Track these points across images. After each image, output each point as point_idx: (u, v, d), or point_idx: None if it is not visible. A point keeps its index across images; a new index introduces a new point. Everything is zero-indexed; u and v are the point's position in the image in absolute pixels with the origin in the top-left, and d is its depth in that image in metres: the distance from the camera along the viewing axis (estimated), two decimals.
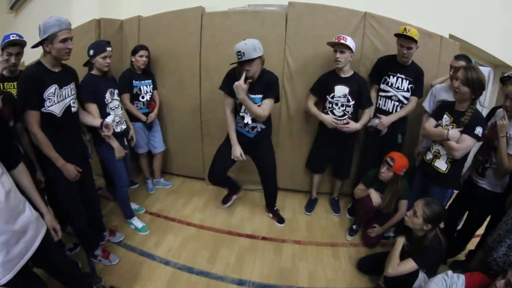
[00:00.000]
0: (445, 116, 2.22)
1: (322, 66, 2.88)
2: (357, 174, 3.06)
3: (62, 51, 1.86)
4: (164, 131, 3.37)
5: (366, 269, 2.43)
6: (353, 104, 2.68)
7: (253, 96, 2.45)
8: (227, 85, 2.46)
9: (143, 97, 3.05)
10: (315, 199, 3.29)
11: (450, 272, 1.75)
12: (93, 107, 2.33)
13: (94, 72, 2.44)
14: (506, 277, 1.46)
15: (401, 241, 2.16)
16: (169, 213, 3.10)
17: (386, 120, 2.68)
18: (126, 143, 2.70)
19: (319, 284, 2.33)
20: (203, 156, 3.51)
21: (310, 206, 3.22)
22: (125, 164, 2.65)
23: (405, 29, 2.49)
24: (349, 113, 2.71)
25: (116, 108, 2.55)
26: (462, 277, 1.69)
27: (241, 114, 2.55)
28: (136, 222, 2.83)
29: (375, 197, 2.62)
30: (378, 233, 2.69)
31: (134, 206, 3.03)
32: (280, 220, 3.04)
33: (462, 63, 2.42)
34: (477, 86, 2.00)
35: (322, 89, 2.76)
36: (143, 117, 3.05)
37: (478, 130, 2.04)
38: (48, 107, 1.87)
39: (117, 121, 2.54)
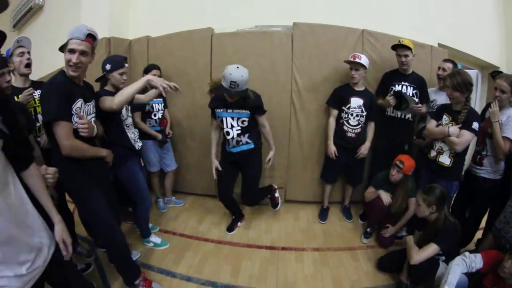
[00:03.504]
0: (444, 116, 2.47)
1: (326, 80, 3.08)
2: (367, 180, 3.16)
3: (67, 63, 1.68)
4: (174, 149, 3.36)
5: (385, 268, 2.49)
6: (365, 115, 2.88)
7: (238, 110, 2.51)
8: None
9: (155, 115, 3.06)
10: (327, 207, 3.34)
11: (467, 253, 1.89)
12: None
13: (108, 88, 2.30)
14: None
15: (410, 238, 2.29)
16: (185, 230, 3.04)
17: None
18: (142, 163, 2.66)
19: (344, 286, 2.34)
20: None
21: (323, 215, 3.26)
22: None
23: (399, 40, 2.78)
24: (362, 122, 2.90)
25: (132, 125, 2.46)
26: (479, 255, 1.82)
27: (225, 130, 2.57)
28: (154, 238, 2.76)
29: (385, 197, 2.73)
30: (391, 233, 2.77)
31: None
32: (275, 205, 3.09)
33: (448, 64, 2.76)
34: (465, 87, 2.29)
35: (338, 101, 2.93)
36: (159, 136, 3.03)
37: (475, 125, 2.30)
38: (75, 123, 1.72)
39: (134, 138, 2.44)
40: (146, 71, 3.01)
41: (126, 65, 2.33)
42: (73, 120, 1.71)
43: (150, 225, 2.98)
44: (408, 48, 2.77)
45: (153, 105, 3.06)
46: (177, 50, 3.24)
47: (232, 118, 2.54)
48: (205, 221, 3.22)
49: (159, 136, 3.05)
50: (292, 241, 2.91)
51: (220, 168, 2.71)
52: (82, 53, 1.69)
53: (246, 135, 2.61)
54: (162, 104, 3.15)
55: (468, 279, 1.88)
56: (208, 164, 3.38)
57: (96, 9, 3.29)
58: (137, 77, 3.07)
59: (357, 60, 2.73)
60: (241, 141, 2.62)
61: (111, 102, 2.00)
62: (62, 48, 1.73)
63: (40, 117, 2.08)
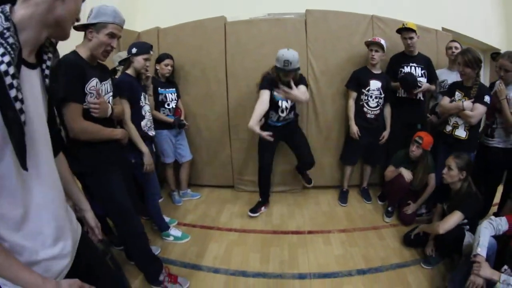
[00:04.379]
0: (457, 93, 2.56)
1: (340, 65, 3.10)
2: (384, 162, 3.17)
3: (103, 47, 1.61)
4: (189, 140, 3.24)
5: (411, 243, 2.50)
6: (383, 97, 2.93)
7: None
8: (268, 85, 2.56)
9: (168, 105, 2.95)
10: (347, 190, 3.34)
11: (492, 216, 1.93)
12: (126, 105, 2.13)
13: (129, 71, 2.26)
14: None
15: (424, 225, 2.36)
16: (205, 222, 2.92)
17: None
18: (154, 149, 2.54)
19: (375, 263, 2.33)
20: (231, 163, 3.42)
21: (343, 197, 3.26)
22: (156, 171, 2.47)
23: (403, 24, 2.87)
24: (381, 104, 2.95)
25: (149, 112, 2.40)
26: (503, 218, 1.86)
27: (280, 109, 2.70)
28: (175, 232, 2.63)
29: (407, 174, 2.76)
30: (414, 209, 2.81)
31: (165, 218, 2.79)
32: (309, 180, 3.24)
33: (456, 44, 2.91)
34: (475, 63, 2.40)
35: (357, 83, 2.97)
36: (170, 120, 2.92)
37: (487, 98, 2.41)
38: (87, 103, 1.60)
39: (149, 125, 2.38)
40: (159, 60, 2.92)
41: (152, 52, 2.30)
42: (86, 100, 1.60)
43: (168, 219, 2.86)
44: (413, 30, 2.86)
45: (166, 94, 2.96)
46: (189, 40, 3.16)
47: (287, 100, 2.67)
48: (224, 211, 3.12)
49: (171, 120, 2.93)
50: (317, 224, 2.87)
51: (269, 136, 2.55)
52: (118, 38, 1.69)
53: (293, 112, 2.81)
54: (175, 94, 3.04)
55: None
56: (225, 153, 3.38)
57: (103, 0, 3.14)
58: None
59: (377, 41, 2.80)
60: (289, 117, 2.80)
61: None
62: (85, 27, 1.61)
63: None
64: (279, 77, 2.53)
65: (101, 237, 1.37)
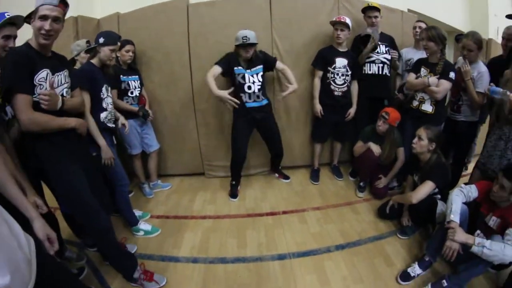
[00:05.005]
0: (422, 69, 2.61)
1: (307, 45, 3.07)
2: (354, 138, 3.15)
3: (38, 31, 1.48)
4: (155, 129, 3.07)
5: (386, 216, 2.54)
6: (350, 74, 2.93)
7: (255, 68, 2.71)
8: (226, 62, 2.67)
9: (132, 93, 2.77)
10: (318, 169, 3.34)
11: (462, 184, 1.98)
12: (86, 96, 1.98)
13: (94, 61, 2.16)
14: (499, 181, 1.71)
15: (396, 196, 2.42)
16: (178, 212, 2.80)
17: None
18: (115, 141, 2.37)
19: (352, 238, 2.35)
20: (200, 149, 3.29)
21: (315, 176, 3.26)
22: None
23: (367, 3, 2.90)
24: (348, 81, 2.95)
25: (111, 105, 2.26)
26: (473, 186, 1.92)
27: (247, 85, 2.71)
28: (144, 226, 2.49)
29: (375, 148, 2.80)
30: (385, 183, 2.86)
31: (137, 212, 2.67)
32: (285, 177, 3.30)
33: (421, 24, 2.98)
34: (439, 39, 2.43)
35: (323, 62, 2.94)
36: (135, 109, 2.76)
37: (452, 74, 2.47)
38: (39, 95, 1.50)
39: (109, 118, 2.23)
40: (119, 47, 2.67)
41: (119, 43, 2.24)
42: (36, 92, 1.50)
43: (141, 212, 2.73)
44: (377, 9, 2.89)
45: (129, 82, 2.76)
46: (151, 24, 2.96)
47: (252, 75, 2.70)
48: (197, 199, 3.01)
49: (135, 109, 2.77)
50: (291, 204, 2.85)
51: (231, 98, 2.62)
52: (55, 19, 1.51)
53: (262, 91, 2.78)
54: (138, 81, 2.85)
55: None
56: (192, 139, 3.25)
57: None
58: None
59: (342, 20, 2.77)
60: (259, 96, 2.76)
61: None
62: (28, 17, 1.54)
63: (9, 109, 1.69)
64: (240, 55, 2.64)
65: (55, 249, 1.19)
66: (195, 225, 2.61)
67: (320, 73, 2.97)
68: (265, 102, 2.83)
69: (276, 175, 3.34)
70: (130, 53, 2.73)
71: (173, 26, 2.95)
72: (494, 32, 4.02)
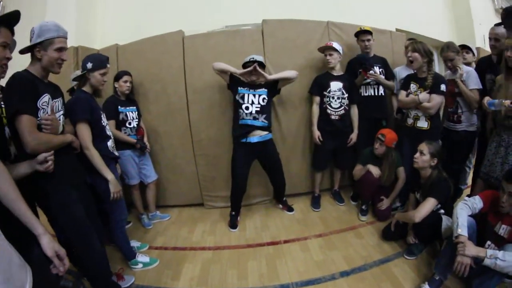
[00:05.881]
0: (412, 85, 2.59)
1: (300, 71, 2.96)
2: (353, 161, 3.09)
3: (55, 61, 1.58)
4: (153, 160, 3.02)
5: (391, 237, 2.44)
6: (347, 97, 2.89)
7: (259, 89, 2.68)
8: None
9: (130, 124, 2.75)
10: (319, 195, 3.22)
11: (466, 197, 1.90)
12: (85, 128, 1.91)
13: (86, 89, 2.05)
14: (505, 190, 1.65)
15: (398, 214, 2.32)
16: (177, 243, 2.68)
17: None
18: (119, 171, 2.35)
19: (357, 263, 2.21)
20: (198, 179, 3.21)
21: (316, 202, 3.14)
22: None
23: (360, 28, 2.94)
24: (345, 104, 2.90)
25: (110, 132, 2.20)
26: (477, 197, 1.83)
27: (244, 106, 2.65)
28: (142, 258, 2.36)
29: (374, 170, 2.72)
30: (387, 204, 2.76)
31: (135, 243, 2.58)
32: (290, 209, 3.11)
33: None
34: (424, 51, 2.43)
35: (319, 87, 2.92)
36: (133, 141, 2.72)
37: (443, 87, 2.43)
38: (40, 118, 1.53)
39: (113, 146, 2.18)
40: (117, 78, 2.74)
41: (109, 66, 2.11)
42: (39, 115, 1.53)
43: (139, 243, 2.61)
44: (370, 33, 2.94)
45: (127, 113, 2.76)
46: (148, 55, 3.01)
47: (254, 96, 2.66)
48: (196, 230, 2.89)
49: (134, 140, 2.73)
50: (292, 232, 2.72)
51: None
52: (66, 49, 1.64)
53: (262, 114, 2.68)
54: (136, 112, 2.85)
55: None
56: (190, 169, 3.18)
57: (62, 18, 2.93)
58: (106, 87, 2.77)
59: (329, 45, 2.80)
60: (258, 118, 2.67)
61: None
62: (31, 49, 1.58)
63: (7, 129, 1.69)
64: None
65: (64, 268, 1.13)
66: (195, 256, 2.48)
67: (317, 99, 2.94)
68: (267, 136, 2.74)
69: (280, 206, 3.18)
70: (128, 84, 2.74)
71: (169, 57, 2.99)
72: (481, 40, 4.09)
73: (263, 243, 2.59)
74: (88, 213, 1.77)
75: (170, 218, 3.15)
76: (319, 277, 2.10)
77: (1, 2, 3.52)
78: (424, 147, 2.21)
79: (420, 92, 2.49)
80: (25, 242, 1.09)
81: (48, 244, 1.10)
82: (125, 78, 2.73)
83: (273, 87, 2.73)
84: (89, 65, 2.01)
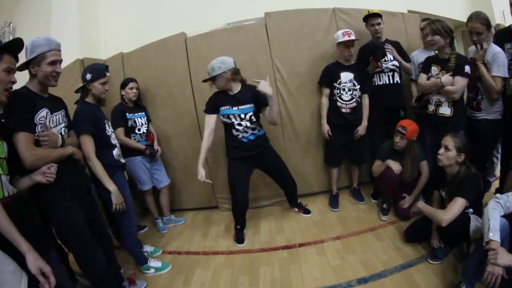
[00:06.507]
0: (433, 67, 2.29)
1: (308, 64, 2.88)
2: (371, 156, 2.83)
3: (50, 74, 1.58)
4: (165, 164, 2.98)
5: (414, 238, 2.20)
6: (359, 88, 2.64)
7: (243, 107, 2.35)
8: (213, 106, 2.40)
9: (139, 130, 2.73)
10: (337, 194, 3.00)
11: (497, 194, 1.65)
12: (88, 139, 1.90)
13: (89, 99, 2.05)
14: None
15: (423, 205, 2.03)
16: (190, 247, 2.62)
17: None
18: (126, 177, 2.30)
19: (377, 269, 2.00)
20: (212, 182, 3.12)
21: (334, 202, 2.91)
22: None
23: (368, 11, 2.67)
24: (357, 96, 2.65)
25: (115, 140, 2.19)
26: (510, 193, 1.60)
27: (236, 122, 2.36)
28: (154, 263, 2.34)
29: (395, 165, 2.44)
30: (410, 202, 2.50)
31: (149, 248, 2.56)
32: (306, 211, 2.86)
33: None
34: (445, 31, 2.12)
35: (329, 78, 2.70)
36: (142, 147, 2.69)
37: (467, 68, 2.11)
38: (38, 134, 1.54)
39: (119, 153, 2.18)
40: (123, 85, 2.74)
41: (108, 74, 2.08)
42: (37, 130, 1.54)
43: (152, 248, 2.59)
44: (379, 16, 2.66)
45: (135, 119, 2.74)
46: (152, 60, 2.97)
47: (239, 114, 2.35)
48: (210, 234, 2.81)
49: (143, 147, 2.70)
50: (308, 235, 2.54)
51: (205, 179, 2.36)
52: (61, 62, 1.64)
53: (255, 123, 2.41)
54: (145, 118, 2.83)
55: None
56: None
57: (66, 31, 3.07)
58: (114, 96, 2.80)
59: (352, 37, 2.53)
60: (255, 128, 2.41)
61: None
62: (27, 65, 1.60)
63: None
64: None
65: (51, 285, 1.14)
66: (207, 261, 2.41)
67: (327, 91, 2.73)
68: (259, 134, 2.45)
69: (296, 209, 2.92)
70: (134, 90, 2.73)
71: (173, 61, 2.92)
72: (500, 16, 3.58)
73: (277, 247, 2.45)
74: (93, 223, 1.78)
75: (185, 222, 3.10)
76: (334, 285, 1.92)
77: (11, 24, 3.68)
78: (449, 141, 1.92)
79: (442, 75, 2.18)
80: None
81: (33, 262, 1.10)
82: (131, 85, 2.72)
83: (258, 101, 2.36)
84: (88, 76, 2.00)
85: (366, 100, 2.71)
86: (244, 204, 2.50)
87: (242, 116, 2.35)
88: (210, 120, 2.40)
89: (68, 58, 2.84)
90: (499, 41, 2.23)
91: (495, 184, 2.56)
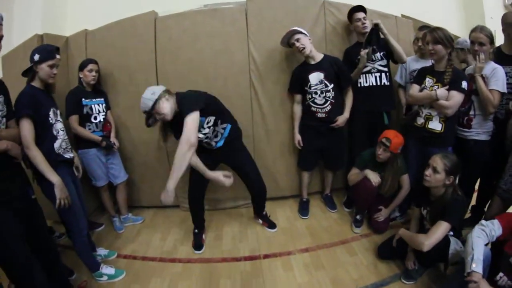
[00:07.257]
0: (427, 79, 2.09)
1: (288, 57, 2.58)
2: (349, 162, 2.62)
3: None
4: (123, 157, 2.66)
5: (388, 255, 2.05)
6: (332, 88, 2.38)
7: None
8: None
9: (95, 118, 2.39)
10: (307, 200, 2.78)
11: (483, 221, 1.57)
12: (27, 124, 1.62)
13: (35, 83, 1.78)
14: None
15: (403, 230, 1.90)
16: (147, 252, 2.34)
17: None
18: (76, 173, 2.01)
19: (348, 287, 1.84)
20: None
21: (304, 209, 2.69)
22: (79, 199, 1.94)
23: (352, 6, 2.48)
24: (331, 98, 2.39)
25: (62, 131, 1.87)
26: (495, 221, 1.54)
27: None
28: (107, 270, 2.07)
29: (374, 177, 2.23)
30: (386, 215, 2.34)
31: (103, 251, 2.29)
32: (271, 225, 2.55)
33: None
34: (447, 40, 1.95)
35: (298, 83, 2.45)
36: (98, 138, 2.36)
37: (464, 84, 1.95)
38: None
39: (64, 147, 1.86)
40: (81, 67, 2.37)
41: (58, 56, 1.82)
42: None
43: (107, 251, 2.32)
44: (363, 10, 2.42)
45: (92, 106, 2.39)
46: (117, 41, 2.57)
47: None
48: (169, 237, 2.54)
49: (99, 138, 2.37)
50: (274, 245, 2.33)
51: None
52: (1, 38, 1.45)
53: (219, 123, 2.13)
54: (104, 105, 2.47)
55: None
56: (164, 168, 2.73)
57: (29, 2, 2.66)
58: (74, 77, 2.44)
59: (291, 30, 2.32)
60: (217, 132, 2.15)
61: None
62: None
63: None
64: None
65: None
66: (163, 269, 2.16)
67: (298, 98, 2.51)
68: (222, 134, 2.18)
69: (260, 221, 2.60)
70: (93, 73, 2.37)
71: (139, 42, 2.55)
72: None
73: (240, 257, 2.22)
74: (32, 234, 1.56)
75: (144, 221, 2.79)
76: None
77: None
78: (438, 163, 1.74)
79: (438, 88, 1.98)
80: None
81: None
82: (90, 66, 2.35)
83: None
84: (36, 57, 1.74)
85: (348, 93, 2.47)
86: (199, 200, 2.31)
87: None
88: None
89: (27, 33, 2.49)
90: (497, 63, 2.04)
91: (474, 196, 2.40)
